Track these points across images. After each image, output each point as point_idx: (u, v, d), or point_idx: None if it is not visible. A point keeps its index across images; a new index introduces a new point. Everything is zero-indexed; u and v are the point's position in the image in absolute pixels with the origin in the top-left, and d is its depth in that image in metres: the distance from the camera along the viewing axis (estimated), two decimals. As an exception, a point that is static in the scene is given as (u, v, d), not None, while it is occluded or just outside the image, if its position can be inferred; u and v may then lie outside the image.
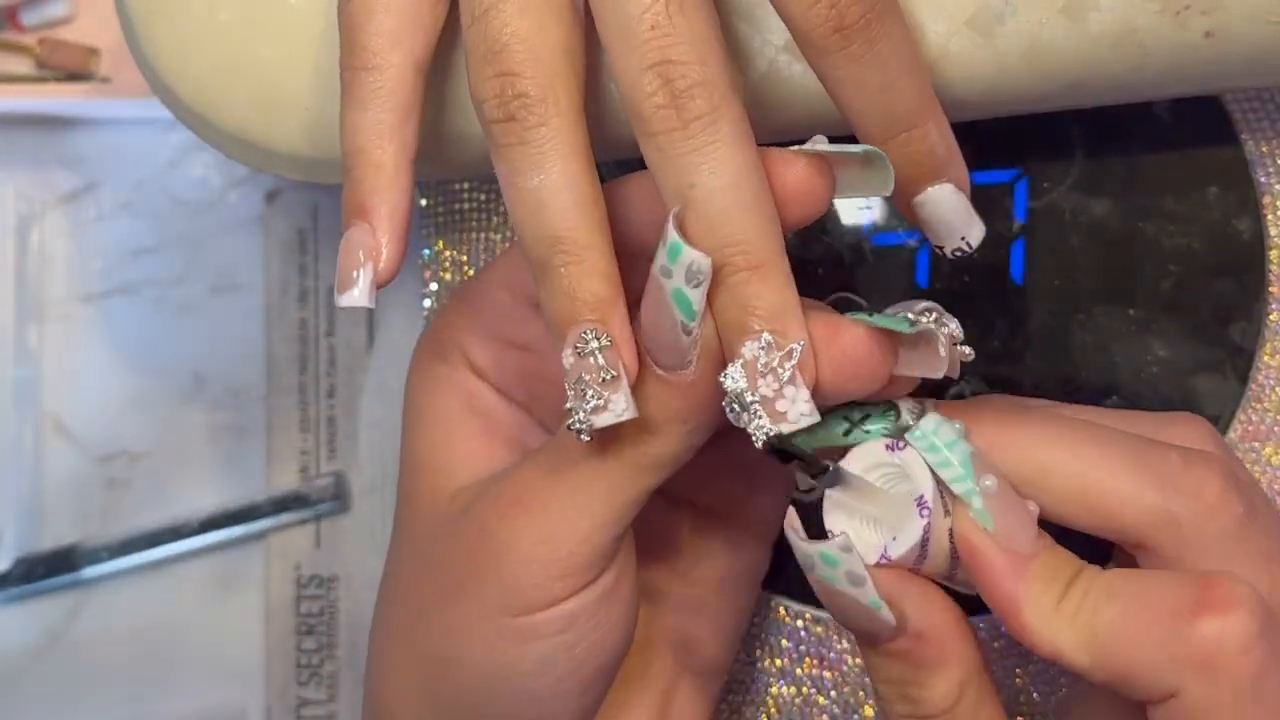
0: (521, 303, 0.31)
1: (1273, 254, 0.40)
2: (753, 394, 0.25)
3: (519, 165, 0.27)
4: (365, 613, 0.34)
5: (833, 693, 0.40)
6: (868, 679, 0.40)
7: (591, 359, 0.26)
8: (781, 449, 0.27)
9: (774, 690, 0.40)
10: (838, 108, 0.28)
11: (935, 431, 0.27)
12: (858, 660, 0.40)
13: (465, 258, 0.43)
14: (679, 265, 0.25)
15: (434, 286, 0.43)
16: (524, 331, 0.31)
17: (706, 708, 0.35)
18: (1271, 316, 0.39)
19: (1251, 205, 0.40)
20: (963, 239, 0.30)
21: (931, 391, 0.40)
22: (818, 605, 0.40)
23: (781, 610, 0.40)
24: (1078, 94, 0.33)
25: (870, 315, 0.26)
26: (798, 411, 0.25)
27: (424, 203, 0.43)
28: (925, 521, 0.27)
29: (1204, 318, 0.40)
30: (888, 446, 0.28)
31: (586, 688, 0.30)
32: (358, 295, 0.29)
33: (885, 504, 0.27)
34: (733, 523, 0.35)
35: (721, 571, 0.35)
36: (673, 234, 0.25)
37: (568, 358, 0.26)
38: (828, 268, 0.41)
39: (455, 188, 0.43)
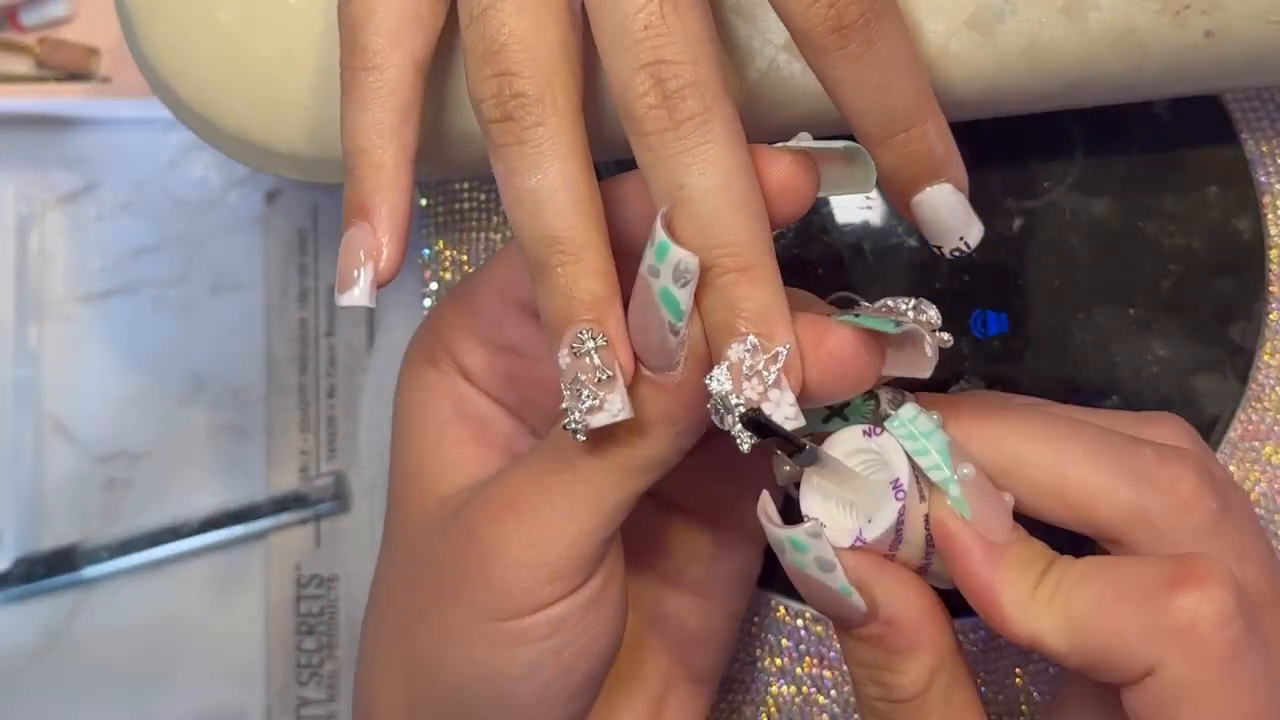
0: (512, 306, 0.31)
1: (1273, 254, 0.40)
2: (737, 397, 0.25)
3: (516, 165, 0.27)
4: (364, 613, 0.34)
5: (833, 692, 0.40)
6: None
7: (588, 359, 0.26)
8: (759, 426, 0.27)
9: (774, 689, 0.40)
10: (836, 107, 0.28)
11: (914, 420, 0.28)
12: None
13: (465, 257, 0.43)
14: (666, 265, 0.25)
15: (434, 286, 0.43)
16: (515, 335, 0.31)
17: (700, 713, 0.35)
18: (1271, 316, 0.39)
19: (1251, 205, 0.40)
20: (961, 239, 0.30)
21: (931, 390, 0.40)
22: (818, 605, 0.40)
23: (781, 610, 0.40)
24: (1078, 93, 0.33)
25: (857, 316, 0.26)
26: (782, 414, 0.25)
27: (424, 202, 0.43)
28: (900, 505, 0.27)
29: (1204, 317, 0.40)
30: (865, 433, 0.28)
31: (575, 693, 0.29)
32: (358, 295, 0.29)
33: (862, 488, 0.28)
34: (723, 526, 0.34)
35: (713, 575, 0.34)
36: (660, 234, 0.25)
37: (564, 357, 0.26)
38: (828, 268, 0.41)
39: (455, 187, 0.43)
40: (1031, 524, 0.28)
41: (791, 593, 0.40)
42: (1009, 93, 0.33)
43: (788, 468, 0.28)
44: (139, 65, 0.35)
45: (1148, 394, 0.39)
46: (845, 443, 0.28)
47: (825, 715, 0.40)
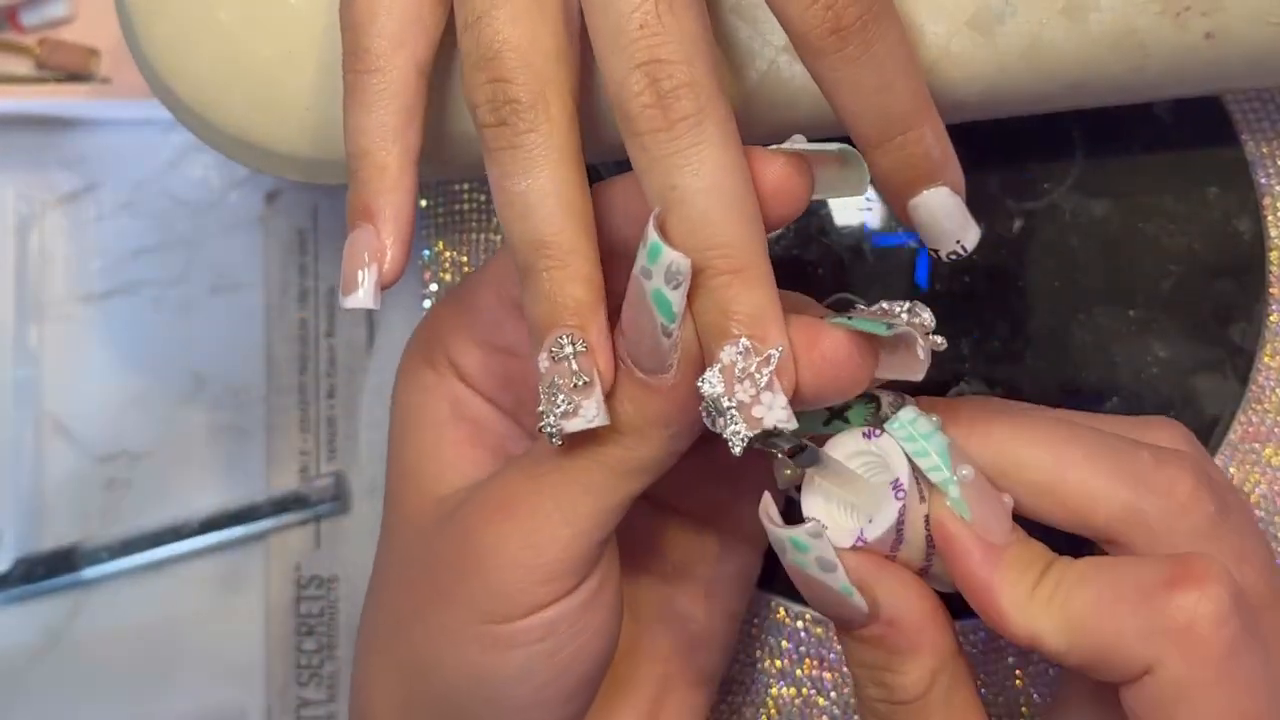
0: (510, 307, 0.31)
1: (1273, 254, 0.40)
2: (729, 399, 0.25)
3: (509, 169, 0.27)
4: (364, 614, 0.34)
5: (833, 694, 0.40)
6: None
7: (565, 364, 0.26)
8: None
9: (774, 691, 0.40)
10: (833, 109, 0.28)
11: (913, 422, 0.28)
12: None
13: (465, 258, 0.43)
14: (659, 266, 0.25)
15: (434, 287, 0.43)
16: (511, 336, 0.31)
17: (698, 715, 0.35)
18: (1271, 317, 0.39)
19: (1251, 206, 0.40)
20: (958, 242, 0.30)
21: (932, 392, 0.40)
22: (818, 606, 0.40)
23: (781, 611, 0.40)
24: (1078, 95, 0.33)
25: (850, 318, 0.26)
26: (774, 417, 0.25)
27: (424, 204, 0.43)
28: (900, 505, 0.27)
29: (1204, 318, 0.40)
30: (865, 435, 0.28)
31: (570, 696, 0.29)
32: (363, 296, 0.29)
33: (862, 489, 0.28)
34: (721, 528, 0.34)
35: (711, 577, 0.34)
36: (653, 235, 0.25)
37: (542, 361, 0.26)
38: (827, 268, 0.41)
39: (455, 189, 0.43)
40: (1030, 525, 0.28)
41: (792, 594, 0.40)
42: (1009, 94, 0.33)
43: (789, 471, 0.28)
44: (139, 65, 0.35)
45: (1148, 395, 0.39)
46: (846, 445, 0.28)
47: (825, 717, 0.40)
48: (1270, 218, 0.39)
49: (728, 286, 0.25)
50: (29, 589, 0.45)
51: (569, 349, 0.26)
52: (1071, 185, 0.40)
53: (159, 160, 0.46)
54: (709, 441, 0.27)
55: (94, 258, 0.46)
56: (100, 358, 0.46)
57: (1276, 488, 0.39)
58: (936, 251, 0.30)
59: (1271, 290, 0.39)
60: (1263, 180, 0.40)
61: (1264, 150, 0.40)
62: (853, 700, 0.40)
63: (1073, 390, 0.40)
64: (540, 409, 0.26)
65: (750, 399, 0.25)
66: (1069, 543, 0.28)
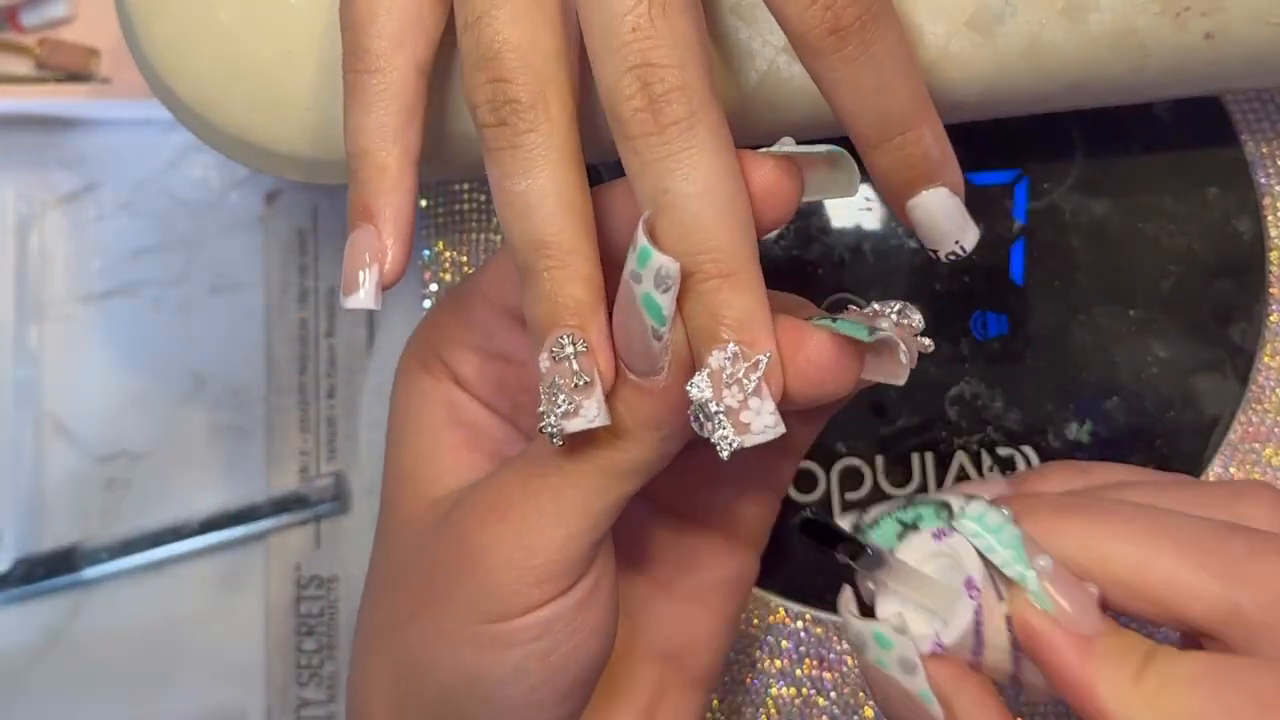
0: (502, 316, 0.31)
1: (1273, 254, 0.40)
2: (717, 404, 0.25)
3: (509, 169, 0.27)
4: (364, 614, 0.34)
5: (832, 694, 0.40)
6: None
7: (566, 364, 0.26)
8: (819, 529, 0.27)
9: (774, 691, 0.40)
10: (832, 110, 0.28)
11: (981, 517, 0.27)
12: (858, 661, 0.40)
13: (465, 258, 0.43)
14: (648, 270, 0.25)
15: (434, 287, 0.43)
16: (506, 343, 0.31)
17: (694, 717, 0.35)
18: (1271, 317, 0.39)
19: (1251, 206, 0.40)
20: (957, 243, 0.30)
21: (931, 392, 0.40)
22: (818, 606, 0.40)
23: (781, 611, 0.40)
24: (1078, 95, 0.33)
25: (835, 321, 0.26)
26: (762, 423, 0.25)
27: (424, 204, 0.43)
28: (975, 604, 0.26)
29: (1204, 318, 0.40)
30: (935, 535, 0.27)
31: (563, 697, 0.29)
32: (363, 297, 0.29)
33: (934, 591, 0.27)
34: (718, 531, 0.34)
35: (707, 580, 0.34)
36: (642, 239, 0.25)
37: (543, 361, 0.26)
38: (827, 268, 0.41)
39: (455, 189, 0.43)
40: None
41: (791, 594, 0.40)
42: (1009, 94, 0.33)
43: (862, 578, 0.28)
44: (139, 65, 0.35)
45: (1148, 395, 0.39)
46: (917, 548, 0.27)
47: (825, 717, 0.40)
48: (1270, 218, 0.39)
49: (718, 291, 0.25)
50: (29, 589, 0.45)
51: (570, 349, 0.26)
52: (1071, 185, 0.40)
53: (159, 160, 0.46)
54: (705, 447, 0.27)
55: (94, 258, 0.46)
56: (100, 358, 0.46)
57: (1277, 486, 0.39)
58: (935, 252, 0.30)
59: (1271, 290, 0.39)
60: (1263, 180, 0.40)
61: (1264, 150, 0.40)
62: (851, 700, 0.40)
63: (1073, 390, 0.40)
64: (541, 409, 0.26)
65: (738, 404, 0.25)
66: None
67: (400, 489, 0.31)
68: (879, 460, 0.41)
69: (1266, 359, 0.39)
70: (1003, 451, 0.40)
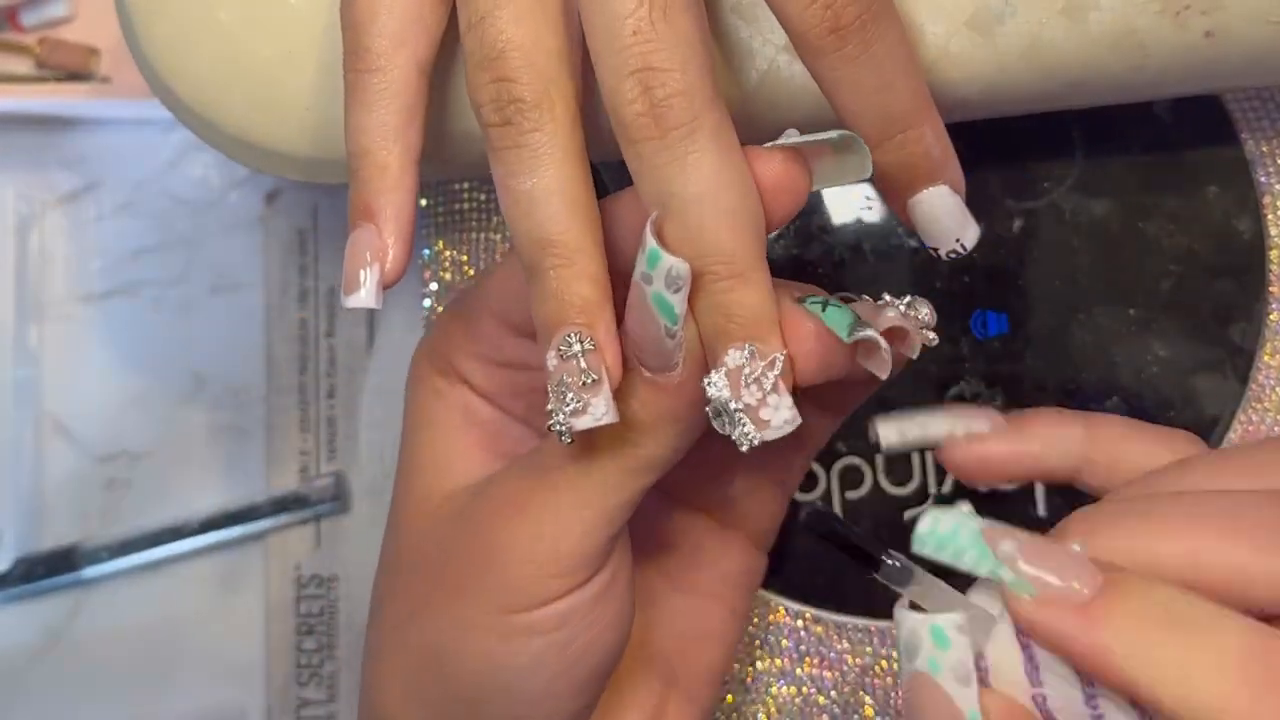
0: (508, 329, 0.31)
1: (1273, 254, 0.40)
2: (736, 402, 0.25)
3: (514, 168, 0.27)
4: (365, 613, 0.34)
5: (833, 692, 0.40)
6: (868, 679, 0.40)
7: (574, 362, 0.26)
8: (831, 535, 0.26)
9: (774, 690, 0.40)
10: (833, 109, 0.28)
11: (932, 528, 0.24)
12: (858, 660, 0.40)
13: (465, 258, 0.43)
14: (658, 272, 0.25)
15: (434, 286, 0.43)
16: (515, 354, 0.31)
17: (703, 711, 0.35)
18: (1271, 316, 0.39)
19: (1251, 205, 0.40)
20: (958, 241, 0.30)
21: (930, 391, 0.40)
22: (818, 605, 0.40)
23: (781, 610, 0.40)
24: (1078, 94, 0.33)
25: (824, 309, 0.26)
26: (781, 418, 0.25)
27: (424, 203, 0.43)
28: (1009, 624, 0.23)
29: (1204, 318, 0.40)
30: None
31: (580, 688, 0.30)
32: (364, 296, 0.29)
33: (972, 611, 0.24)
34: (728, 528, 0.35)
35: (716, 574, 0.35)
36: (650, 241, 0.25)
37: (551, 360, 0.26)
38: (828, 268, 0.41)
39: (455, 188, 0.43)
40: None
41: (791, 593, 0.40)
42: (1009, 93, 0.33)
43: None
44: (139, 65, 0.35)
45: (1148, 394, 0.39)
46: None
47: (825, 716, 0.40)
48: (1270, 217, 0.40)
49: (730, 291, 0.26)
50: (29, 589, 0.45)
51: (577, 347, 0.26)
52: (1071, 185, 0.40)
53: (159, 160, 0.46)
54: (718, 440, 0.27)
55: (94, 258, 0.46)
56: (100, 358, 0.46)
57: (1276, 487, 0.39)
58: (936, 250, 0.30)
59: (1271, 290, 0.39)
60: (1263, 180, 0.40)
61: (1264, 149, 0.40)
62: (852, 699, 0.40)
63: (1073, 390, 0.40)
64: (549, 407, 0.26)
65: (757, 401, 0.25)
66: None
67: (413, 481, 0.32)
68: (879, 459, 0.41)
69: (1266, 358, 0.39)
70: (1003, 451, 0.40)
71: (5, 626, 0.45)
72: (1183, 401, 0.39)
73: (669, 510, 0.34)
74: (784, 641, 0.40)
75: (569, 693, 0.30)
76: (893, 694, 0.40)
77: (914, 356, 0.27)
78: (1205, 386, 0.39)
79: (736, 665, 0.40)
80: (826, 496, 0.41)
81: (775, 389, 0.25)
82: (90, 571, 0.44)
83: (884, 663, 0.40)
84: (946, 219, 0.29)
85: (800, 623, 0.40)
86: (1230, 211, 0.40)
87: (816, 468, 0.41)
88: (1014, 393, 0.40)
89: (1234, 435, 0.39)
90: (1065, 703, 0.23)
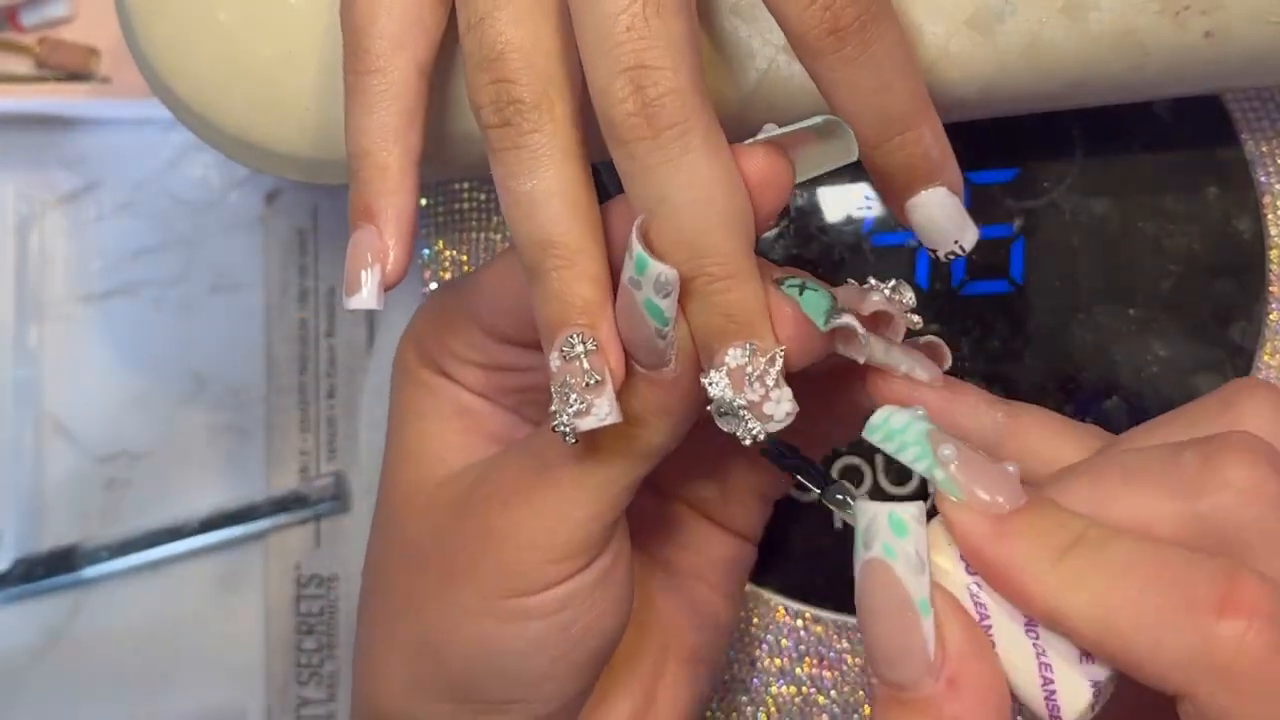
0: (496, 337, 0.31)
1: (1273, 254, 0.39)
2: (739, 399, 0.25)
3: (514, 169, 0.27)
4: (364, 612, 0.34)
5: (832, 692, 0.40)
6: (867, 679, 0.40)
7: (577, 363, 0.26)
8: (775, 453, 0.27)
9: (774, 690, 0.40)
10: (832, 110, 0.28)
11: (885, 421, 0.25)
12: (857, 660, 0.40)
13: (465, 257, 0.43)
14: (647, 278, 0.25)
15: (434, 286, 0.43)
16: (505, 359, 0.31)
17: (695, 695, 0.35)
18: (1271, 316, 0.39)
19: (1251, 205, 0.40)
20: (956, 243, 0.30)
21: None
22: (817, 605, 0.40)
23: (781, 610, 0.40)
24: (1078, 93, 0.33)
25: (801, 292, 0.26)
26: (783, 411, 0.26)
27: (423, 203, 0.43)
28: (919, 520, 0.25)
29: (1204, 318, 0.40)
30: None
31: (579, 671, 0.30)
32: (366, 297, 0.29)
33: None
34: (716, 514, 0.35)
35: (705, 560, 0.35)
36: (637, 247, 0.25)
37: (554, 361, 0.26)
38: (828, 268, 0.41)
39: (455, 188, 0.43)
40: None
41: (791, 593, 0.40)
42: (1009, 93, 0.33)
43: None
44: (139, 65, 0.35)
45: (1148, 394, 0.39)
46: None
47: (825, 716, 0.40)
48: (1270, 217, 0.39)
49: (725, 292, 0.26)
50: (29, 589, 0.45)
51: (580, 348, 0.26)
52: (1071, 185, 0.40)
53: (159, 160, 0.46)
54: (706, 430, 0.27)
55: (94, 258, 0.46)
56: (100, 358, 0.46)
57: (1276, 487, 0.39)
58: (935, 252, 0.30)
59: (1271, 290, 0.39)
60: (1263, 179, 0.40)
61: (1264, 149, 0.40)
62: (852, 699, 0.40)
63: (1073, 390, 0.40)
64: (553, 408, 0.26)
65: (760, 398, 0.25)
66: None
67: (405, 472, 0.32)
68: (879, 459, 0.41)
69: (1266, 358, 0.39)
70: (1003, 451, 0.40)
71: (5, 626, 0.45)
72: (1183, 401, 0.39)
73: (658, 497, 0.35)
74: (784, 641, 0.40)
75: (568, 675, 0.30)
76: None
77: (869, 351, 0.27)
78: (1205, 386, 0.39)
79: (736, 665, 0.40)
80: (826, 496, 0.41)
81: (777, 384, 0.26)
82: (90, 571, 0.44)
83: (884, 662, 0.40)
84: (945, 221, 0.29)
85: (800, 622, 0.40)
86: (1230, 211, 0.40)
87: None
88: (1014, 393, 0.40)
89: (1234, 435, 0.39)
90: (992, 596, 0.24)
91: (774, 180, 0.27)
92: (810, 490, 0.30)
